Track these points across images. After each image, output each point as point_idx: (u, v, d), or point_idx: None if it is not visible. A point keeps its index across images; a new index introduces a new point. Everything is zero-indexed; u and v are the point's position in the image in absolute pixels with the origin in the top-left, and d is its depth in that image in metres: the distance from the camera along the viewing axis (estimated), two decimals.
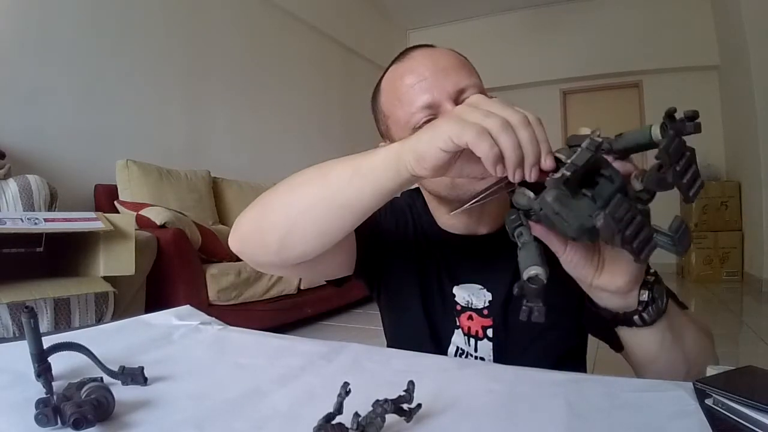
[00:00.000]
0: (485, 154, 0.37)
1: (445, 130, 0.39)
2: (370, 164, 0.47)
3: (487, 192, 0.43)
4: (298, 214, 0.51)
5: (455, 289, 0.68)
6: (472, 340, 0.66)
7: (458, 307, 0.67)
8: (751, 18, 3.91)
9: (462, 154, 0.42)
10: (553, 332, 0.64)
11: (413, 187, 0.67)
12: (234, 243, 0.57)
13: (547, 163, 0.38)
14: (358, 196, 0.47)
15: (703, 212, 4.63)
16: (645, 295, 0.48)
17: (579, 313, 0.64)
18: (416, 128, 0.58)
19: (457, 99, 0.58)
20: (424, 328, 0.67)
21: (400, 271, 0.70)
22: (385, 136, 0.68)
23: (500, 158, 0.37)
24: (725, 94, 4.93)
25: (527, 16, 5.68)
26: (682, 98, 5.21)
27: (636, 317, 0.48)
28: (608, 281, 0.46)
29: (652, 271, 0.50)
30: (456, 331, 0.67)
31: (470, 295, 0.67)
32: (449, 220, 0.68)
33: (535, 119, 0.39)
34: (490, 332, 0.65)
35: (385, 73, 0.67)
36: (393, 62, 0.66)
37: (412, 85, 0.59)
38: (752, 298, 3.89)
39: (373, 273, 0.71)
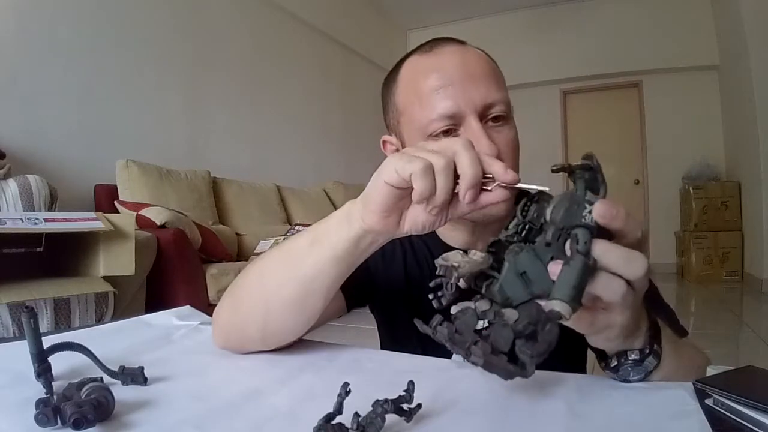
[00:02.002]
0: (421, 190, 0.37)
1: (391, 163, 0.39)
2: (325, 229, 0.46)
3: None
4: (270, 300, 0.49)
5: (453, 309, 0.66)
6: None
7: None
8: (751, 18, 3.91)
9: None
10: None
11: None
12: (218, 340, 0.54)
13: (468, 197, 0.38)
14: (319, 266, 0.46)
15: (703, 212, 4.63)
16: (614, 361, 0.42)
17: None
18: (432, 136, 0.54)
19: (484, 114, 0.54)
20: (418, 350, 0.64)
21: (391, 297, 0.68)
22: (392, 130, 0.63)
23: (427, 198, 0.38)
24: (725, 94, 4.93)
25: (527, 16, 5.68)
26: (682, 98, 5.22)
27: (602, 364, 0.44)
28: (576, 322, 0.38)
29: (647, 350, 0.41)
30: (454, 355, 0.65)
31: None
32: (448, 232, 0.66)
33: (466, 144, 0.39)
34: None
35: (406, 58, 0.61)
36: (417, 50, 0.60)
37: (437, 89, 0.54)
38: (752, 298, 3.89)
39: (366, 301, 0.69)
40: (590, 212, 0.34)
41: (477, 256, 0.37)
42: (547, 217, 0.36)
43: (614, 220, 0.34)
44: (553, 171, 0.37)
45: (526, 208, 0.39)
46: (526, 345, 0.32)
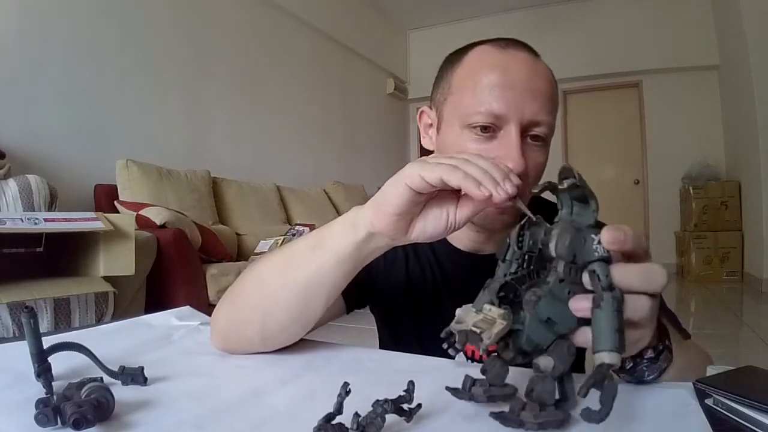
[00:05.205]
0: (460, 181, 0.38)
1: (414, 170, 0.40)
2: (328, 234, 0.46)
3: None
4: (268, 304, 0.49)
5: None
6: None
7: None
8: (751, 18, 3.91)
9: (427, 204, 0.43)
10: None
11: None
12: (217, 342, 0.54)
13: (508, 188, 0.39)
14: (320, 271, 0.46)
15: (703, 212, 4.63)
16: (629, 363, 0.42)
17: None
18: (470, 126, 0.55)
19: (526, 128, 0.55)
20: (418, 350, 0.64)
21: (392, 298, 0.68)
22: (435, 105, 0.63)
23: (478, 182, 0.38)
24: (725, 94, 4.93)
25: (527, 16, 5.68)
26: (682, 98, 5.22)
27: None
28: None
29: (660, 347, 0.42)
30: (458, 355, 0.65)
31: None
32: (455, 234, 0.67)
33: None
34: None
35: (479, 44, 0.61)
36: (491, 42, 0.60)
37: (495, 86, 0.54)
38: (752, 298, 3.89)
39: (366, 302, 0.70)
40: (599, 242, 0.33)
41: (493, 312, 0.35)
42: (553, 252, 0.35)
43: (625, 243, 0.33)
44: (534, 194, 0.37)
45: (520, 238, 0.38)
46: (592, 413, 0.30)
